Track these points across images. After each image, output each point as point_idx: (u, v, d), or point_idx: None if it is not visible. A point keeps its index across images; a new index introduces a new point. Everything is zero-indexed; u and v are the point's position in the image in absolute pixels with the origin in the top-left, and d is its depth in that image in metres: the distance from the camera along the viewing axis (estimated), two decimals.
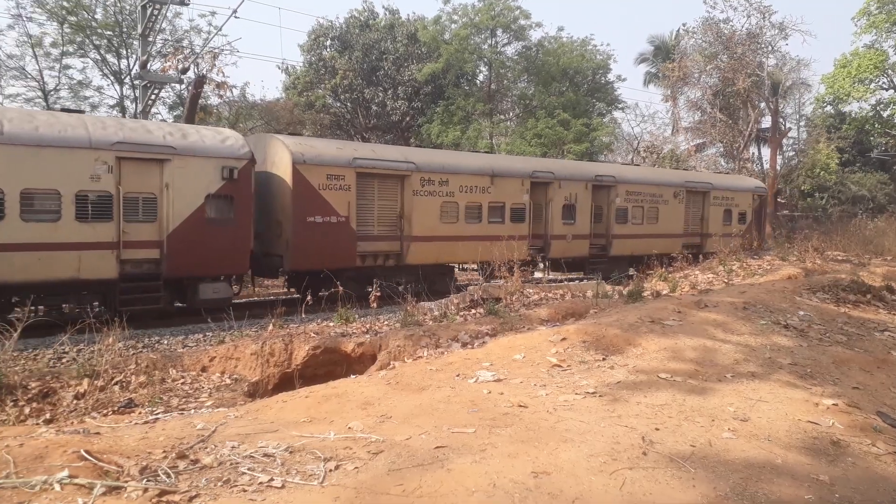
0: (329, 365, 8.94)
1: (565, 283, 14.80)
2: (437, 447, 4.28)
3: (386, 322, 11.13)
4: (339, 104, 34.79)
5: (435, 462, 4.02)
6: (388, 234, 15.62)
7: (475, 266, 17.42)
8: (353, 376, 7.08)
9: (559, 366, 6.62)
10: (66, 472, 3.54)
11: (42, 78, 26.87)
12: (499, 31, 33.32)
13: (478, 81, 35.78)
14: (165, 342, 11.09)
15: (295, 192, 13.90)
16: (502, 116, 36.95)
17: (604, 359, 6.91)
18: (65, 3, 25.53)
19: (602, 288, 12.36)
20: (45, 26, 26.27)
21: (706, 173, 29.16)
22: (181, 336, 11.52)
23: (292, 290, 15.70)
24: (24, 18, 25.12)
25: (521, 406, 5.26)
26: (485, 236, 16.42)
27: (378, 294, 10.86)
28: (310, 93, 33.68)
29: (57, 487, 3.40)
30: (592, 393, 5.70)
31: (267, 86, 59.68)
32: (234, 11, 19.83)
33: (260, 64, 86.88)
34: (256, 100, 32.17)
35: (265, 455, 4.12)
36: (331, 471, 3.85)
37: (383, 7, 36.58)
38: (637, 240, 20.74)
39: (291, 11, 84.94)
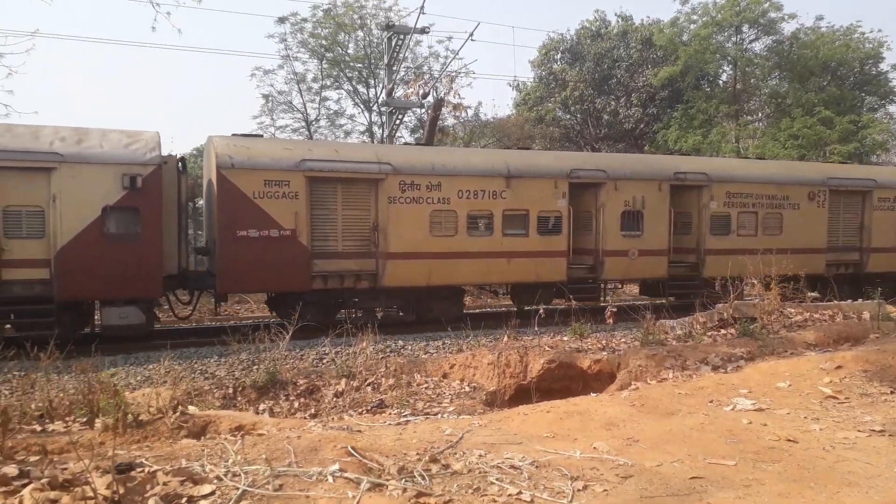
0: (564, 380, 8.87)
1: (834, 303, 12.92)
2: (693, 477, 4.01)
3: (623, 339, 10.76)
4: (568, 116, 34.83)
5: (692, 493, 3.76)
6: (358, 251, 13.24)
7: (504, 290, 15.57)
8: (592, 394, 6.96)
9: (834, 397, 5.86)
10: (336, 466, 3.92)
11: (305, 110, 30.77)
12: (744, 27, 30.75)
13: (720, 82, 33.40)
14: (409, 348, 11.91)
15: (221, 201, 12.13)
16: (750, 118, 33.95)
17: (892, 392, 5.94)
18: (323, 42, 28.95)
19: (884, 309, 10.64)
20: (308, 64, 30.05)
21: (867, 167, 22.28)
22: (422, 343, 12.26)
23: (273, 312, 14.15)
24: (291, 59, 29.00)
25: (789, 440, 4.73)
26: (498, 252, 13.94)
27: (614, 311, 10.53)
28: (540, 107, 34.18)
29: (330, 479, 3.77)
30: (880, 431, 4.94)
31: (498, 104, 61.80)
32: (471, 35, 20.94)
33: (492, 83, 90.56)
34: (489, 118, 33.51)
35: (512, 467, 4.18)
36: (578, 490, 3.78)
37: (616, 14, 35.93)
38: (746, 256, 14.93)
39: (524, 29, 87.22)
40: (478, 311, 16.62)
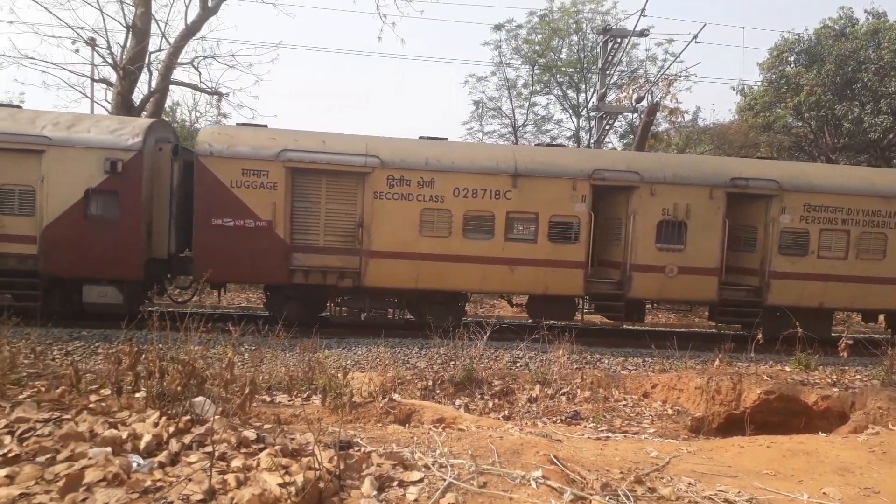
0: (783, 414, 8.11)
1: None
2: None
3: (857, 376, 9.52)
4: (801, 124, 31.61)
5: None
6: (341, 247, 12.61)
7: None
8: (821, 434, 6.22)
9: None
10: (539, 473, 3.94)
11: (513, 115, 31.36)
12: None
13: None
14: (606, 362, 11.59)
15: (198, 189, 12.16)
16: None
17: None
18: (536, 48, 29.29)
19: None
20: (519, 70, 30.60)
21: None
22: (621, 358, 11.86)
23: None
24: (504, 65, 29.70)
25: None
26: (499, 258, 12.63)
27: (848, 343, 9.34)
28: (768, 113, 31.43)
29: (533, 485, 3.80)
30: None
31: (718, 109, 58.14)
32: (695, 37, 19.83)
33: (713, 87, 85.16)
34: (708, 124, 31.46)
35: (725, 500, 3.89)
36: None
37: (865, 12, 31.86)
38: (831, 283, 13.04)
39: (755, 30, 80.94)
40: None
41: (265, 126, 13.51)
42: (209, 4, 18.60)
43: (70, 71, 35.98)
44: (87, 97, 23.82)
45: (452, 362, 9.32)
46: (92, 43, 19.51)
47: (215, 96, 21.27)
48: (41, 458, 3.89)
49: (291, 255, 12.46)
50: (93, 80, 22.18)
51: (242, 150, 12.33)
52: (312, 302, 13.14)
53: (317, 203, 12.58)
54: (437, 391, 8.59)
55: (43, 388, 5.65)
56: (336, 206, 12.61)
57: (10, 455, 3.94)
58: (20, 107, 14.03)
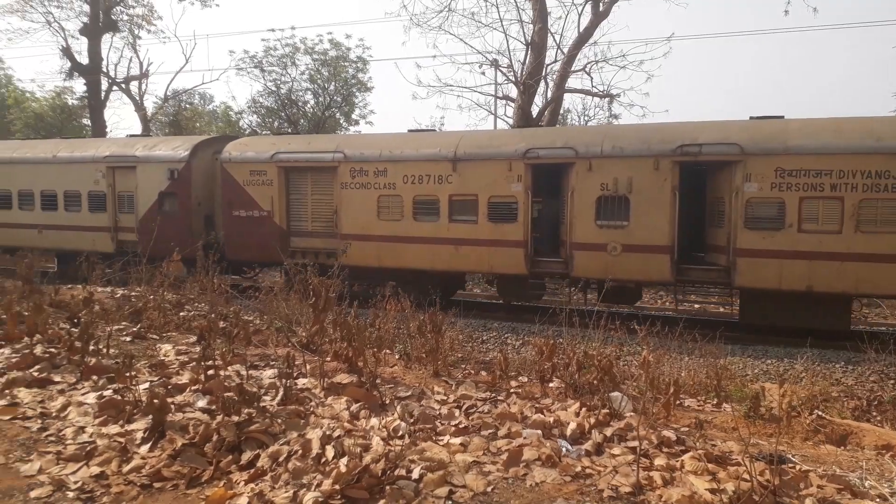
0: None
1: None
2: None
3: None
4: None
5: None
6: (324, 231, 14.97)
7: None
8: None
9: None
10: None
11: None
12: None
13: None
14: None
15: (222, 187, 15.86)
16: None
17: None
18: None
19: None
20: None
21: None
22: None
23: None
24: None
25: None
26: (444, 239, 13.58)
27: None
28: None
29: None
30: None
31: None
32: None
33: None
34: None
35: None
36: None
37: None
38: (816, 262, 11.16)
39: None
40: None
41: (294, 133, 17.15)
42: (600, 9, 20.16)
43: (479, 92, 40.13)
44: (492, 114, 26.70)
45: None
46: (495, 64, 22.47)
47: (606, 99, 22.36)
48: (485, 433, 4.60)
49: (289, 238, 15.30)
50: (496, 97, 24.90)
51: (250, 154, 15.61)
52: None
53: (305, 195, 15.26)
54: (874, 413, 7.91)
55: (472, 371, 6.71)
56: (319, 197, 15.11)
57: (460, 426, 4.73)
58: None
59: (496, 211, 13.24)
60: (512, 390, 5.68)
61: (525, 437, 4.44)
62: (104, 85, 32.66)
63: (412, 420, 4.81)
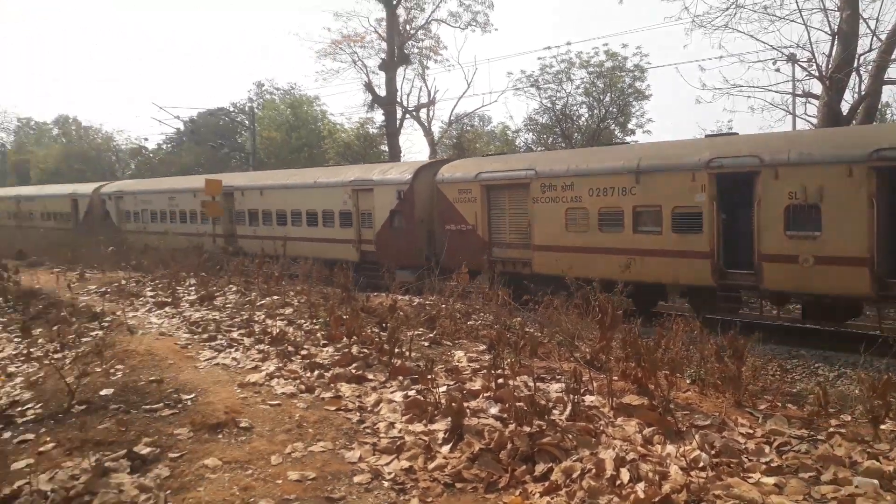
0: None
1: None
2: None
3: None
4: None
5: None
6: (520, 243, 15.93)
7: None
8: None
9: None
10: None
11: None
12: None
13: None
14: None
15: (437, 205, 17.78)
16: None
17: None
18: None
19: None
20: None
21: None
22: None
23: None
24: None
25: None
26: (628, 249, 13.52)
27: None
28: None
29: None
30: None
31: None
32: None
33: None
34: None
35: None
36: None
37: None
38: None
39: None
40: None
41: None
42: None
43: (773, 91, 37.56)
44: (790, 113, 24.93)
45: None
46: (793, 59, 20.64)
47: None
48: (803, 475, 4.14)
49: (491, 249, 16.51)
50: (794, 95, 23.30)
51: (458, 175, 17.42)
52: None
53: (504, 210, 16.46)
54: None
55: (779, 404, 5.87)
56: (515, 211, 16.17)
57: (772, 465, 4.34)
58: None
59: (679, 222, 13.00)
60: (833, 429, 4.95)
61: (857, 486, 3.85)
62: (398, 114, 36.52)
63: (713, 452, 4.46)
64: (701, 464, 4.25)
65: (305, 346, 7.72)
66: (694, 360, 6.78)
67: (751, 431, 4.96)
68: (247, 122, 47.28)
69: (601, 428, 4.97)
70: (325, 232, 20.74)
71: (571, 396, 5.29)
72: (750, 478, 4.07)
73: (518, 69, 54.79)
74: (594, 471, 4.15)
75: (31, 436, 5.25)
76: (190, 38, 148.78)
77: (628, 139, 34.62)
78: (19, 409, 6.00)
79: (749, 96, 26.39)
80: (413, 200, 18.17)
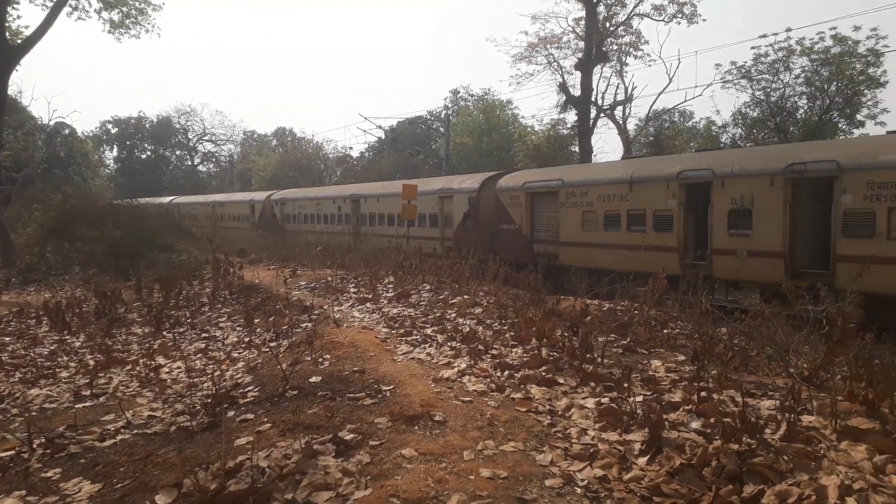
0: None
1: None
2: None
3: None
4: None
5: None
6: (551, 239, 20.00)
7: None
8: None
9: None
10: None
11: None
12: None
13: None
14: None
15: (496, 209, 22.28)
16: None
17: None
18: None
19: None
20: None
21: None
22: None
23: None
24: None
25: None
26: (623, 245, 17.26)
27: None
28: None
29: None
30: None
31: None
32: None
33: None
34: None
35: None
36: None
37: None
38: None
39: None
40: None
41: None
42: None
43: None
44: None
45: None
46: None
47: None
48: None
49: (532, 245, 20.60)
50: None
51: (510, 184, 21.91)
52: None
53: (542, 212, 20.55)
54: None
55: None
56: (549, 214, 20.20)
57: None
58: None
59: (657, 222, 16.48)
60: None
61: None
62: (592, 113, 35.87)
63: None
64: None
65: (495, 346, 7.87)
66: None
67: None
68: (441, 128, 49.24)
69: (822, 451, 4.51)
70: (420, 231, 25.66)
71: (787, 415, 4.86)
72: None
73: (728, 61, 51.52)
74: (814, 497, 3.78)
75: (250, 416, 5.90)
76: (393, 48, 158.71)
77: (856, 132, 31.13)
78: (241, 391, 6.78)
79: None
80: (479, 205, 22.80)
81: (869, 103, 31.09)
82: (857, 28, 29.33)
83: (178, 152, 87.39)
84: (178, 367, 8.47)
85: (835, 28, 29.20)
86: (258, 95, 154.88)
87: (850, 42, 29.46)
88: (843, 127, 31.95)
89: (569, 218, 19.07)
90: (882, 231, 12.14)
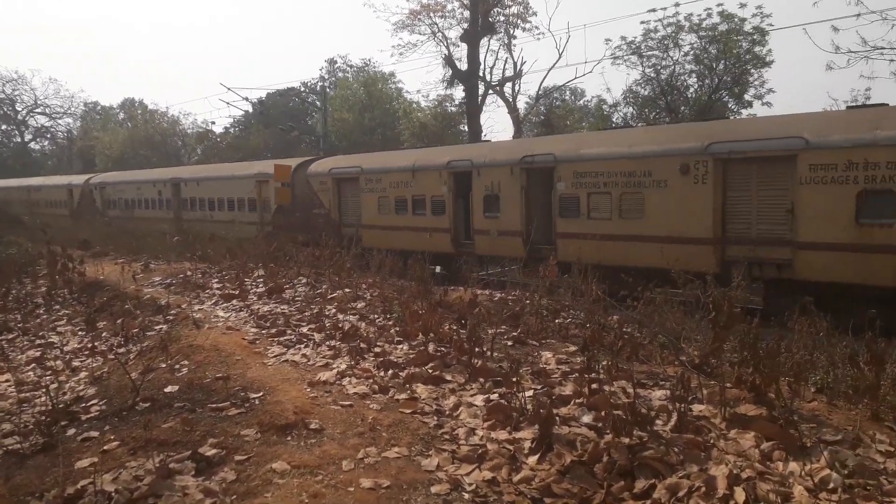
0: None
1: None
2: None
3: None
4: None
5: None
6: (354, 223, 22.49)
7: None
8: None
9: None
10: None
11: None
12: None
13: None
14: None
15: (307, 194, 25.02)
16: None
17: None
18: None
19: None
20: None
21: None
22: None
23: None
24: None
25: None
26: (409, 227, 20.39)
27: None
28: None
29: None
30: None
31: None
32: None
33: None
34: None
35: None
36: None
37: None
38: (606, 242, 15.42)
39: None
40: None
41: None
42: None
43: None
44: None
45: None
46: None
47: None
48: None
49: (340, 228, 22.76)
50: None
51: (318, 170, 24.17)
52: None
53: (347, 197, 23.38)
54: None
55: None
56: (353, 199, 23.04)
57: None
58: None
59: (435, 207, 19.65)
60: None
61: None
62: (481, 90, 36.37)
63: (845, 472, 4.21)
64: (831, 485, 4.04)
65: (378, 344, 7.81)
66: (820, 365, 6.43)
67: (890, 449, 4.66)
68: (318, 102, 48.29)
69: (712, 441, 4.79)
70: (239, 215, 27.37)
71: (677, 405, 5.12)
72: (890, 502, 3.82)
73: (618, 35, 53.75)
74: (704, 489, 4.00)
75: (95, 433, 5.53)
76: (260, 12, 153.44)
77: (744, 112, 33.30)
78: (83, 405, 6.35)
79: (893, 59, 24.57)
80: (294, 190, 24.53)
81: (756, 83, 33.42)
82: (742, 5, 31.51)
83: (3, 127, 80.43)
84: (6, 381, 7.82)
85: (721, 4, 31.04)
86: (100, 61, 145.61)
87: (736, 19, 31.48)
88: (733, 107, 34.13)
89: (368, 203, 21.79)
90: (584, 212, 15.84)
